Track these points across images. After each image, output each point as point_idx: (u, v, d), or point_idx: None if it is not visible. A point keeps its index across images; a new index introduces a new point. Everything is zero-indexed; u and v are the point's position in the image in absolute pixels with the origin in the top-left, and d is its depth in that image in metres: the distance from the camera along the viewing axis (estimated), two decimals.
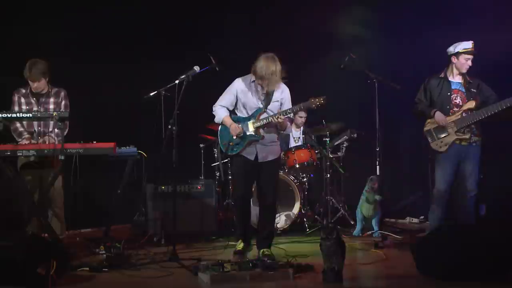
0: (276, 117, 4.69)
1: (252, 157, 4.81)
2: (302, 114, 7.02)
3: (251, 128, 4.78)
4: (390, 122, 6.62)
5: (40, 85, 5.15)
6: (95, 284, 4.10)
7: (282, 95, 4.88)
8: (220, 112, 4.90)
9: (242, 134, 4.78)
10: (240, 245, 4.94)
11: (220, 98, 4.94)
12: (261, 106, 4.81)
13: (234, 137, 4.80)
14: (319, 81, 7.22)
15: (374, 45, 7.33)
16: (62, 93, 5.33)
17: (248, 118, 4.82)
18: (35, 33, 6.42)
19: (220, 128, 4.98)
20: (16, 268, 3.70)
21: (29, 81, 5.13)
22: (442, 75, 5.38)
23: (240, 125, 4.80)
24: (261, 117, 4.77)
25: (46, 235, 4.76)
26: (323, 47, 7.49)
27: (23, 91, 5.24)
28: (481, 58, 5.31)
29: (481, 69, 5.39)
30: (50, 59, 5.24)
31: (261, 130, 4.78)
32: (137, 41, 7.16)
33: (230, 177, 6.50)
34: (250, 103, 4.82)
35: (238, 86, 4.86)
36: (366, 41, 7.38)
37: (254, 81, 4.79)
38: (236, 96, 4.86)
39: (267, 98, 4.81)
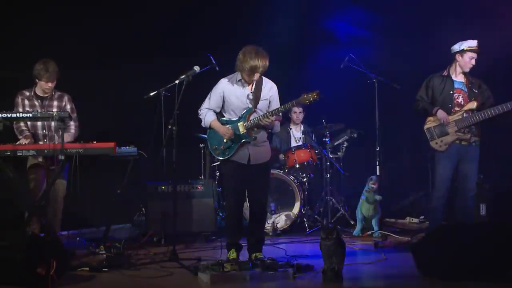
0: (267, 116, 4.48)
1: (245, 161, 4.55)
2: (296, 109, 7.00)
3: (241, 130, 4.53)
4: (390, 122, 6.63)
5: (52, 86, 5.17)
6: (95, 284, 4.11)
7: (271, 92, 4.63)
8: (207, 115, 4.64)
9: (233, 137, 4.53)
10: (233, 254, 4.60)
11: (206, 100, 4.67)
12: (250, 106, 4.56)
13: (225, 140, 4.56)
14: (319, 81, 7.22)
15: (374, 45, 7.33)
16: (66, 97, 5.33)
17: (238, 120, 4.57)
18: (37, 33, 6.43)
19: (209, 132, 4.71)
20: (16, 268, 3.70)
21: (44, 82, 5.11)
22: (445, 73, 5.37)
23: (230, 128, 4.57)
24: (251, 117, 4.53)
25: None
26: (323, 46, 7.49)
27: (27, 93, 5.23)
28: (483, 58, 5.31)
29: (486, 69, 5.39)
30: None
31: (252, 131, 4.56)
32: (137, 42, 7.16)
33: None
34: (238, 103, 4.57)
35: (224, 86, 4.59)
36: (366, 41, 7.39)
37: (240, 79, 4.55)
38: (223, 97, 4.61)
39: (255, 97, 4.57)
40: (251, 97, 4.59)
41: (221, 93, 4.61)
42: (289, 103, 4.51)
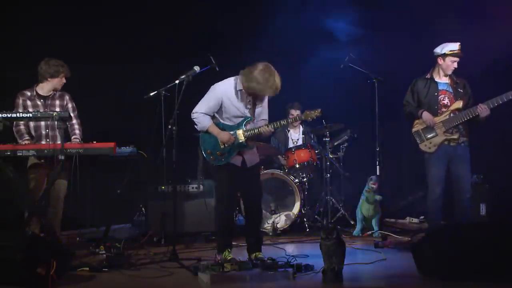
0: (270, 127, 4.56)
1: (238, 163, 4.61)
2: (293, 112, 6.98)
3: (241, 138, 4.56)
4: (390, 122, 6.63)
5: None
6: (95, 284, 4.11)
7: (265, 99, 4.68)
8: (204, 120, 4.60)
9: (232, 143, 4.56)
10: (229, 255, 4.60)
11: (202, 104, 4.61)
12: (249, 115, 4.61)
13: (224, 146, 4.56)
14: (319, 80, 7.22)
15: (374, 45, 7.33)
16: (67, 96, 5.33)
17: (237, 127, 4.59)
18: (37, 33, 6.43)
19: (203, 136, 4.69)
20: (16, 268, 3.70)
21: (60, 78, 5.15)
22: (428, 76, 5.37)
23: (232, 135, 4.57)
24: (249, 126, 4.59)
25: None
26: (323, 46, 7.48)
27: (28, 93, 5.20)
28: (484, 58, 5.31)
29: (487, 69, 5.38)
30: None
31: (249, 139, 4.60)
32: (137, 41, 7.16)
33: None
34: (237, 112, 4.57)
35: (224, 93, 4.55)
36: (366, 41, 7.38)
37: (241, 89, 4.52)
38: (221, 104, 4.56)
39: (253, 105, 4.63)
40: (249, 106, 4.62)
41: (220, 100, 4.57)
42: (291, 118, 4.74)
